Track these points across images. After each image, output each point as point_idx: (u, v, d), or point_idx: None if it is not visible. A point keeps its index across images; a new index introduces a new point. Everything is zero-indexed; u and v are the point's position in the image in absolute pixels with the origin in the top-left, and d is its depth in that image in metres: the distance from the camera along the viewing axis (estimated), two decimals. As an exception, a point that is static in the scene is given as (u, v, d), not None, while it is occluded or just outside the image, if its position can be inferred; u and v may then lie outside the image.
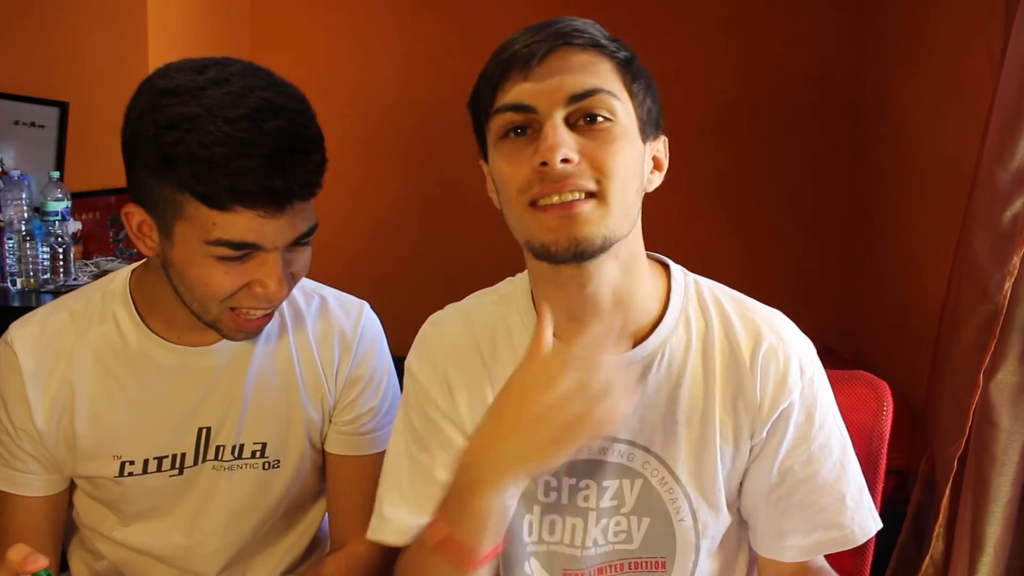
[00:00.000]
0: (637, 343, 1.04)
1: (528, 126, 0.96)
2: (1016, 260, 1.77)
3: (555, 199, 0.93)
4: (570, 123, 0.95)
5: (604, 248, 0.95)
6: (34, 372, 1.17)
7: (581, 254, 0.94)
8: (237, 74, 1.04)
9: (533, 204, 0.94)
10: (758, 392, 1.04)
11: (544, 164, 0.92)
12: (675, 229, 2.80)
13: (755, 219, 3.14)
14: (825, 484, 1.06)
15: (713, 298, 1.09)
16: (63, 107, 2.64)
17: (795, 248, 3.14)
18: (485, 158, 1.03)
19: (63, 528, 1.26)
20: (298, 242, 1.09)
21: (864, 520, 1.07)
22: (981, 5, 2.02)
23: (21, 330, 1.19)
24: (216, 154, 0.98)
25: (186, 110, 1.00)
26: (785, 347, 1.06)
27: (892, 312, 2.78)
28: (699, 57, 3.07)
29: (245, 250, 1.04)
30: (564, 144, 0.92)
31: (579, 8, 1.27)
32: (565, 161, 0.92)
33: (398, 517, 1.08)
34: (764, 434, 1.05)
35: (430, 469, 1.08)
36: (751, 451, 1.06)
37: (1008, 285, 1.78)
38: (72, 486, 1.25)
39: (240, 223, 1.02)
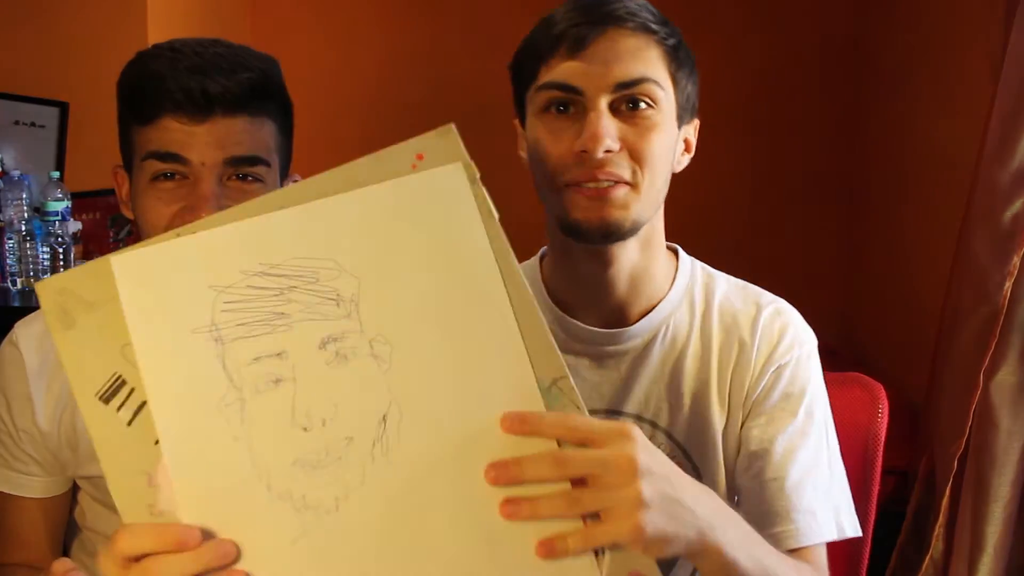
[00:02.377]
0: (643, 317, 1.06)
1: (571, 104, 0.97)
2: (1016, 260, 1.77)
3: (591, 184, 0.96)
4: (612, 107, 0.96)
5: (632, 232, 0.99)
6: (38, 371, 1.16)
7: (609, 235, 0.97)
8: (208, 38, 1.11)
9: (568, 185, 0.97)
10: (754, 355, 1.04)
11: (585, 151, 0.94)
12: (671, 227, 2.79)
13: (754, 218, 3.14)
14: (802, 469, 1.01)
15: (716, 281, 1.11)
16: (63, 107, 2.65)
17: (795, 248, 3.14)
18: (521, 120, 1.06)
19: (63, 531, 1.25)
20: (237, 174, 1.07)
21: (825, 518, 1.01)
22: (981, 5, 2.02)
23: (26, 328, 1.18)
24: (152, 71, 1.05)
25: (146, 53, 1.09)
26: (784, 319, 1.07)
27: (892, 312, 2.78)
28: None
29: (172, 163, 1.05)
30: (608, 135, 0.94)
31: None
32: (606, 151, 0.94)
33: None
34: (755, 397, 1.03)
35: None
36: (742, 424, 1.04)
37: (1008, 285, 1.78)
38: (75, 487, 1.24)
39: (165, 135, 1.05)
